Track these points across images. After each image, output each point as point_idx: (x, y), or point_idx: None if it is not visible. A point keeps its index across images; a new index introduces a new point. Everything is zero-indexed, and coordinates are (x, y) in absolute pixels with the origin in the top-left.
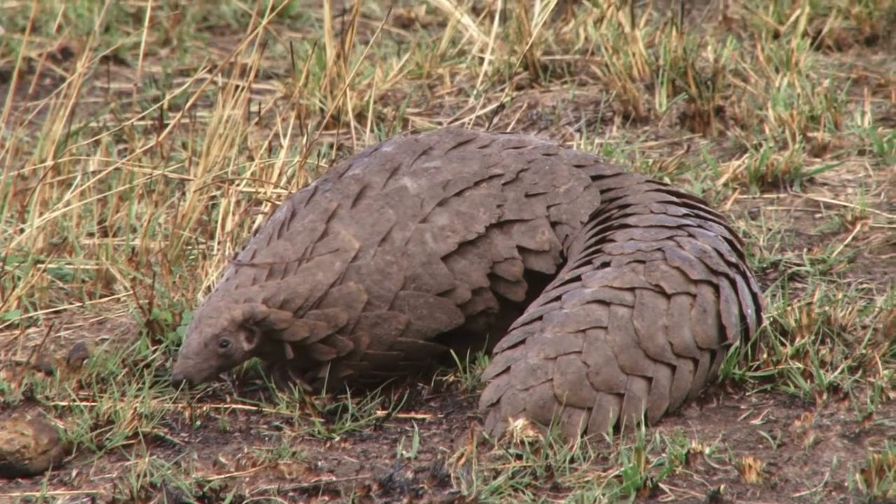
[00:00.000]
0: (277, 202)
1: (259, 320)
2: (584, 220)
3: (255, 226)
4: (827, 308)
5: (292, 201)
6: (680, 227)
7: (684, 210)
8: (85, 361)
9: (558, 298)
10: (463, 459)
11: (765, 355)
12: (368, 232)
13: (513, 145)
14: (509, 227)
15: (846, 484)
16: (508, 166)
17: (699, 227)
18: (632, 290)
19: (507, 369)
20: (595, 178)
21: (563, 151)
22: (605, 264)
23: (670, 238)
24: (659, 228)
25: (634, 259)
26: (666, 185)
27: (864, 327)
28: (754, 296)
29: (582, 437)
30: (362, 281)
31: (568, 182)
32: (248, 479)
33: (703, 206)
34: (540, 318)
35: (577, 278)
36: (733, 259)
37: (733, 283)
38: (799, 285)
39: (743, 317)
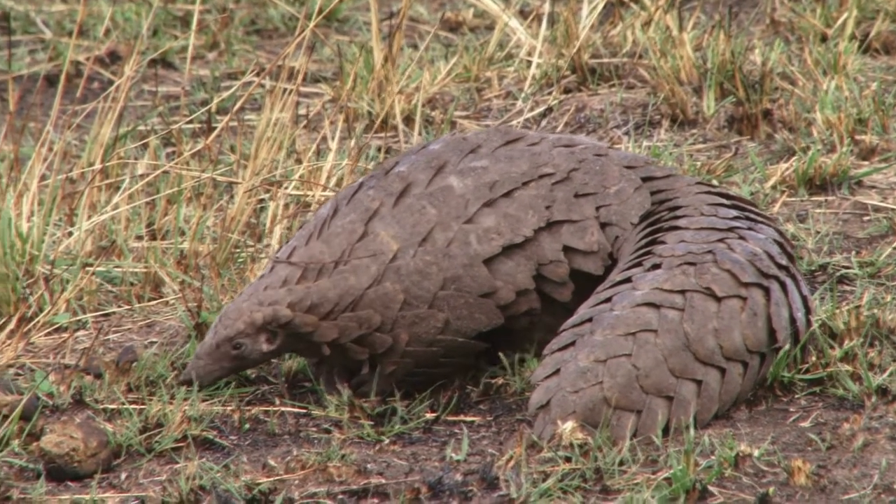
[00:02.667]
0: None
1: (282, 324)
2: (634, 221)
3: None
4: (875, 311)
5: (336, 198)
6: (730, 229)
7: (734, 212)
8: (134, 364)
9: (609, 300)
10: (512, 462)
11: (813, 358)
12: (409, 232)
13: (563, 144)
14: (557, 228)
15: (895, 486)
16: (559, 165)
17: (749, 229)
18: (682, 292)
19: (557, 371)
20: (645, 179)
21: (613, 152)
22: (656, 266)
23: (721, 240)
24: (709, 231)
25: (685, 261)
26: (716, 187)
27: None
28: (804, 299)
29: (631, 439)
30: (400, 281)
31: (618, 183)
32: (297, 481)
33: (753, 209)
34: (590, 319)
35: (628, 280)
36: (783, 262)
37: (783, 286)
38: (847, 288)
39: (793, 320)
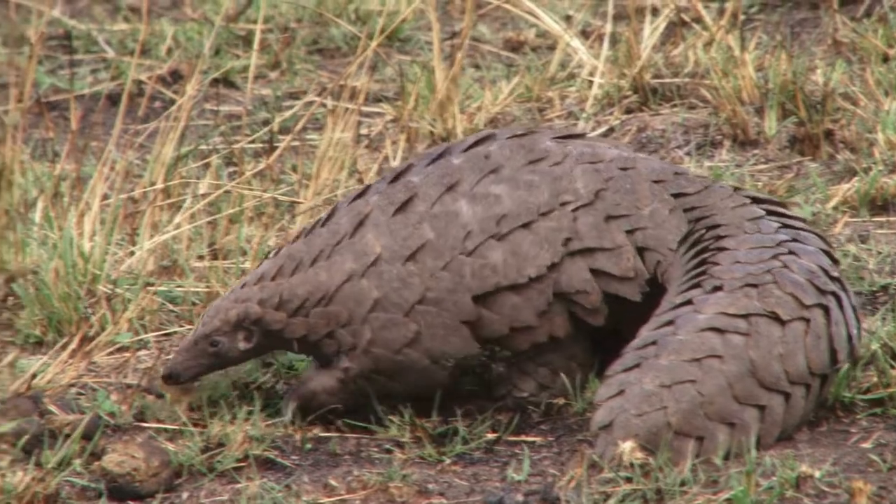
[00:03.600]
0: None
1: (253, 321)
2: (672, 247)
3: None
4: None
5: (337, 203)
6: (778, 244)
7: (775, 224)
8: (195, 384)
9: (671, 323)
10: (573, 482)
11: (875, 378)
12: (399, 245)
13: (587, 159)
14: (588, 255)
15: None
16: (584, 188)
17: (794, 240)
18: (746, 317)
19: (621, 392)
20: (677, 195)
21: (639, 162)
22: (717, 288)
23: (774, 257)
24: (760, 249)
25: (746, 283)
26: (746, 192)
27: None
28: (854, 310)
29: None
30: (380, 286)
31: (651, 202)
32: (358, 501)
33: (787, 213)
34: (654, 342)
35: (689, 302)
36: (836, 273)
37: (839, 302)
38: None
39: (849, 337)
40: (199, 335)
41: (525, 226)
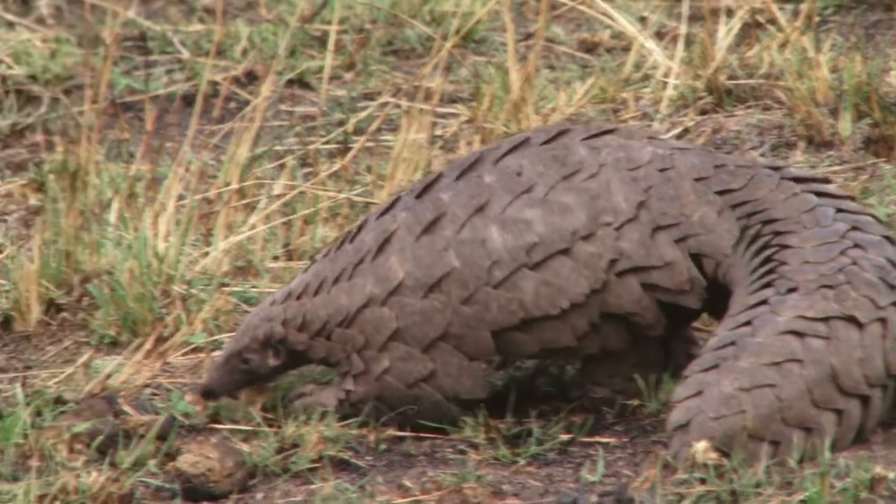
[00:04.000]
0: None
1: (278, 340)
2: (727, 252)
3: None
4: None
5: (367, 216)
6: (842, 236)
7: (831, 212)
8: (270, 385)
9: (748, 324)
10: (647, 483)
11: None
12: (422, 273)
13: (623, 166)
14: (639, 272)
15: None
16: (625, 201)
17: (855, 228)
18: (825, 320)
19: (699, 393)
20: (722, 192)
21: (676, 158)
22: (791, 290)
23: (842, 253)
24: (826, 245)
25: (821, 284)
26: (789, 172)
27: None
28: None
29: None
30: (402, 316)
31: (698, 207)
32: (432, 502)
33: (834, 193)
34: (733, 343)
35: (764, 302)
36: None
37: None
38: None
39: None
40: (230, 352)
41: (562, 252)
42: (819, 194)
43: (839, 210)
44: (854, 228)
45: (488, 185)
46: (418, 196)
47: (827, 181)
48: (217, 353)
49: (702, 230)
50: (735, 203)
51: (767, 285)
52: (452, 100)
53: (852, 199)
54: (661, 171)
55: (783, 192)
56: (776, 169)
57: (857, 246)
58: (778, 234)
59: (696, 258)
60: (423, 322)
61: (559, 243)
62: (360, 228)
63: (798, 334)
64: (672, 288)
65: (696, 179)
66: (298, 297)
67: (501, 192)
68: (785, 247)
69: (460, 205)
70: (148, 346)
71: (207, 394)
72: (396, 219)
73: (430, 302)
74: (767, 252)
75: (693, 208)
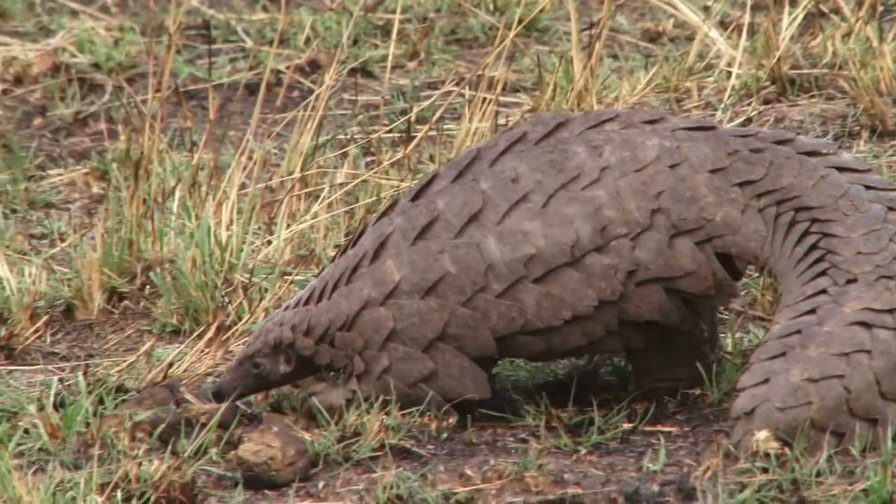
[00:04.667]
0: None
1: (287, 345)
2: (757, 254)
3: None
4: None
5: (372, 217)
6: (884, 221)
7: (862, 190)
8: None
9: (812, 312)
10: (709, 472)
11: None
12: (419, 277)
13: (629, 166)
14: (664, 281)
15: None
16: (636, 211)
17: (891, 209)
18: (891, 311)
19: (766, 381)
20: (742, 185)
21: (686, 150)
22: (850, 281)
23: (892, 240)
24: (874, 234)
25: (880, 275)
26: (802, 145)
27: None
28: None
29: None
30: (400, 318)
31: (720, 206)
32: (493, 491)
33: (856, 167)
34: (798, 332)
35: (823, 292)
36: None
37: None
38: None
39: None
40: (243, 355)
41: (567, 265)
42: (840, 169)
43: (868, 187)
44: (890, 209)
45: (483, 192)
46: (414, 199)
47: (837, 151)
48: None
49: (727, 231)
50: (759, 193)
51: (821, 274)
52: (515, 89)
53: (870, 169)
54: (672, 167)
55: (809, 177)
56: (785, 142)
57: None
58: (816, 221)
59: (723, 258)
60: (421, 323)
61: (560, 256)
62: (361, 232)
63: (866, 325)
64: (697, 293)
65: (712, 171)
66: (306, 303)
67: (498, 198)
68: (830, 235)
69: (454, 212)
70: (210, 334)
71: (218, 395)
72: (392, 223)
73: (426, 303)
74: (810, 240)
75: (714, 210)
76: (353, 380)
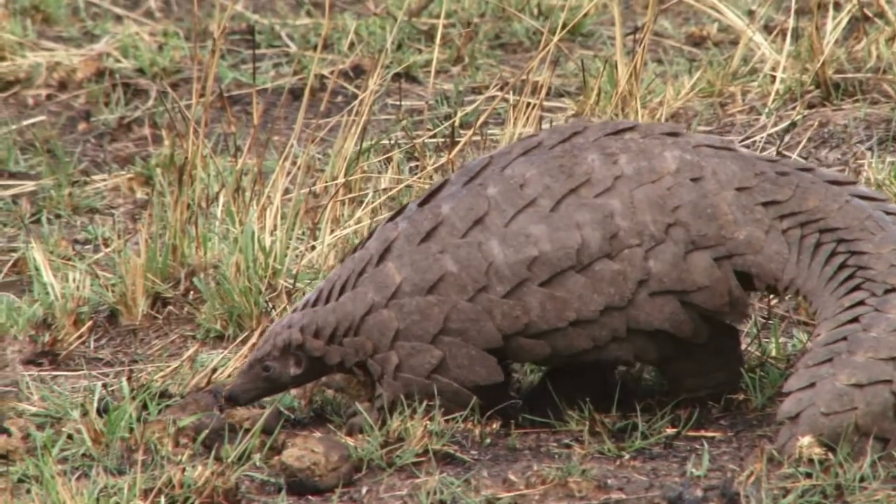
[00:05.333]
0: None
1: (297, 347)
2: (778, 276)
3: None
4: None
5: (381, 221)
6: None
7: (884, 214)
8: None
9: (856, 321)
10: (752, 477)
11: None
12: (419, 277)
13: (645, 178)
14: (678, 293)
15: None
16: (652, 224)
17: None
18: None
19: (812, 385)
20: (765, 204)
21: (707, 167)
22: (889, 290)
23: None
24: None
25: None
26: (825, 174)
27: None
28: None
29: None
30: (401, 318)
31: (742, 226)
32: (537, 496)
33: (874, 196)
34: (844, 338)
35: (862, 303)
36: None
37: None
38: None
39: None
40: (253, 359)
41: (573, 269)
42: (862, 197)
43: (889, 213)
44: None
45: (488, 198)
46: (422, 204)
47: (856, 182)
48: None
49: (749, 250)
50: (783, 214)
51: (857, 288)
52: (560, 94)
53: (886, 199)
54: (693, 181)
55: (835, 201)
56: (808, 170)
57: None
58: (843, 241)
59: (743, 277)
60: (422, 319)
61: (566, 260)
62: (369, 236)
63: None
64: (711, 308)
65: (738, 189)
66: (314, 305)
67: (505, 204)
68: (858, 253)
69: (459, 216)
70: (254, 340)
71: (231, 400)
72: (398, 227)
73: (426, 300)
74: (839, 259)
75: (735, 228)
76: (377, 385)
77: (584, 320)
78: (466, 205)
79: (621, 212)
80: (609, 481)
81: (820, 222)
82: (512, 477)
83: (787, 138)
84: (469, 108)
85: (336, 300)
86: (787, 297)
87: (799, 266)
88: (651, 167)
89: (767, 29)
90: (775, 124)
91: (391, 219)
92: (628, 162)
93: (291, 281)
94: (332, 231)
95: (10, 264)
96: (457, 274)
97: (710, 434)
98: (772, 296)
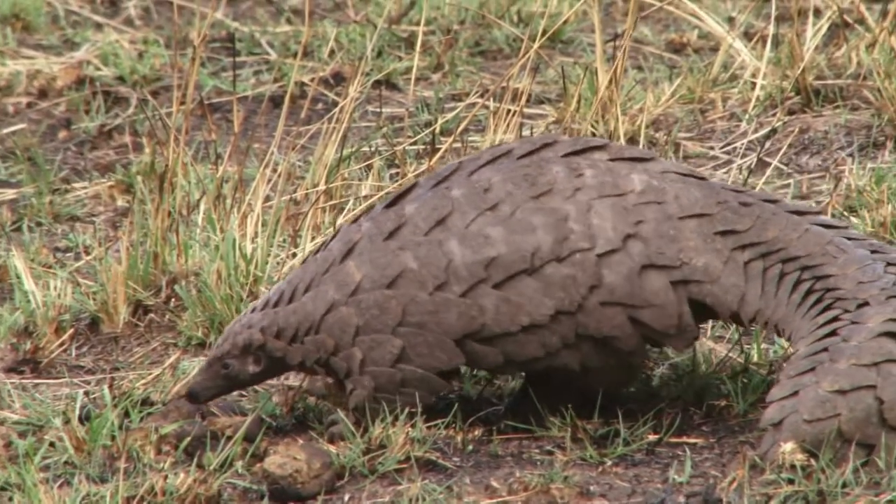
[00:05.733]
0: None
1: (257, 347)
2: (733, 307)
3: None
4: None
5: (344, 225)
6: (872, 259)
7: (845, 239)
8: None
9: (834, 333)
10: (735, 484)
11: None
12: (379, 273)
13: (608, 191)
14: (627, 308)
15: None
16: (605, 231)
17: (875, 251)
18: None
19: (795, 393)
20: (724, 233)
21: (668, 190)
22: (863, 304)
23: (886, 270)
24: (867, 267)
25: (890, 295)
26: (787, 206)
27: None
28: None
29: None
30: (360, 314)
31: (702, 253)
32: (519, 503)
33: (835, 224)
34: (825, 349)
35: (836, 319)
36: None
37: None
38: None
39: None
40: (212, 357)
41: (525, 272)
42: (823, 226)
43: (850, 238)
44: (874, 251)
45: (453, 199)
46: (387, 206)
47: (821, 212)
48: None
49: (705, 278)
50: (744, 244)
51: (828, 308)
52: (540, 100)
53: (847, 226)
54: (654, 203)
55: (795, 230)
56: (773, 202)
57: (891, 264)
58: (806, 268)
59: (696, 305)
60: (380, 313)
61: (520, 263)
62: (333, 236)
63: (893, 336)
64: (658, 329)
65: (699, 216)
66: (275, 306)
67: (467, 206)
68: (823, 277)
69: (422, 216)
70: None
71: (191, 396)
72: (361, 228)
73: (383, 293)
74: (805, 286)
75: (695, 254)
76: (346, 384)
77: (535, 325)
78: (430, 205)
79: (575, 216)
80: (591, 488)
81: (781, 252)
82: (494, 484)
83: (767, 144)
84: (449, 115)
85: (298, 301)
86: (751, 329)
87: (765, 297)
88: (615, 183)
89: (747, 35)
90: (756, 131)
91: (355, 220)
92: (593, 176)
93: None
94: (313, 238)
95: None
96: (416, 270)
97: (692, 440)
98: (736, 326)
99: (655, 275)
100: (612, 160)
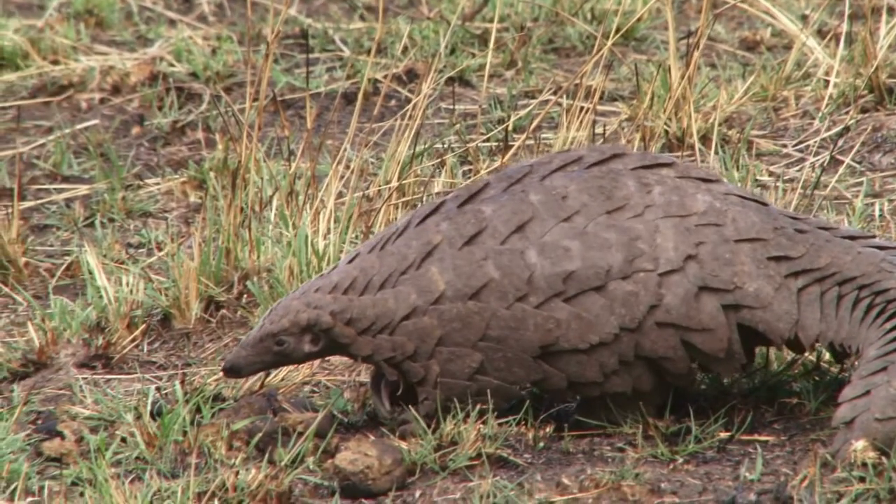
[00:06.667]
0: None
1: (323, 329)
2: (784, 336)
3: None
4: None
5: (414, 213)
6: None
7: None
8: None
9: None
10: (806, 482)
11: None
12: (462, 283)
13: (673, 212)
14: (680, 330)
15: None
16: (667, 251)
17: None
18: None
19: (867, 392)
20: (777, 259)
21: (729, 213)
22: None
23: None
24: None
25: None
26: (843, 231)
27: None
28: None
29: None
30: (441, 325)
31: (755, 279)
32: (591, 500)
33: (887, 245)
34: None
35: None
36: None
37: None
38: None
39: None
40: (265, 332)
41: (596, 289)
42: (876, 247)
43: None
44: None
45: (532, 205)
46: (462, 205)
47: (874, 236)
48: (249, 332)
49: (756, 304)
50: (796, 271)
51: (894, 316)
52: (613, 98)
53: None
54: (714, 226)
55: (847, 253)
56: (828, 229)
57: None
58: (864, 287)
59: (746, 331)
60: (463, 328)
61: (594, 280)
62: (405, 228)
63: None
64: (707, 352)
65: (753, 240)
66: (345, 291)
67: (545, 213)
68: (883, 291)
69: (502, 220)
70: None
71: (232, 371)
72: (439, 229)
73: (466, 307)
74: (865, 302)
75: (746, 276)
76: (419, 390)
77: (602, 343)
78: (510, 209)
79: (644, 236)
80: (662, 485)
81: (836, 276)
82: (565, 480)
83: (840, 143)
84: (522, 112)
85: (375, 294)
86: (812, 352)
87: (825, 320)
88: (682, 203)
89: (821, 33)
90: (828, 129)
91: (427, 216)
92: (661, 194)
93: None
94: None
95: (63, 268)
96: (498, 280)
97: (763, 438)
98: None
99: (708, 298)
100: (679, 178)
